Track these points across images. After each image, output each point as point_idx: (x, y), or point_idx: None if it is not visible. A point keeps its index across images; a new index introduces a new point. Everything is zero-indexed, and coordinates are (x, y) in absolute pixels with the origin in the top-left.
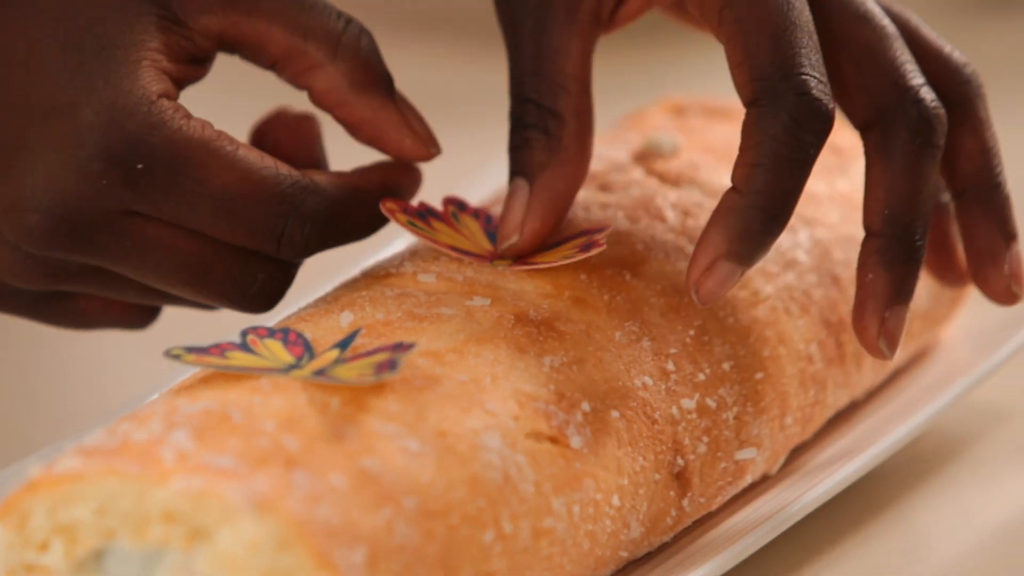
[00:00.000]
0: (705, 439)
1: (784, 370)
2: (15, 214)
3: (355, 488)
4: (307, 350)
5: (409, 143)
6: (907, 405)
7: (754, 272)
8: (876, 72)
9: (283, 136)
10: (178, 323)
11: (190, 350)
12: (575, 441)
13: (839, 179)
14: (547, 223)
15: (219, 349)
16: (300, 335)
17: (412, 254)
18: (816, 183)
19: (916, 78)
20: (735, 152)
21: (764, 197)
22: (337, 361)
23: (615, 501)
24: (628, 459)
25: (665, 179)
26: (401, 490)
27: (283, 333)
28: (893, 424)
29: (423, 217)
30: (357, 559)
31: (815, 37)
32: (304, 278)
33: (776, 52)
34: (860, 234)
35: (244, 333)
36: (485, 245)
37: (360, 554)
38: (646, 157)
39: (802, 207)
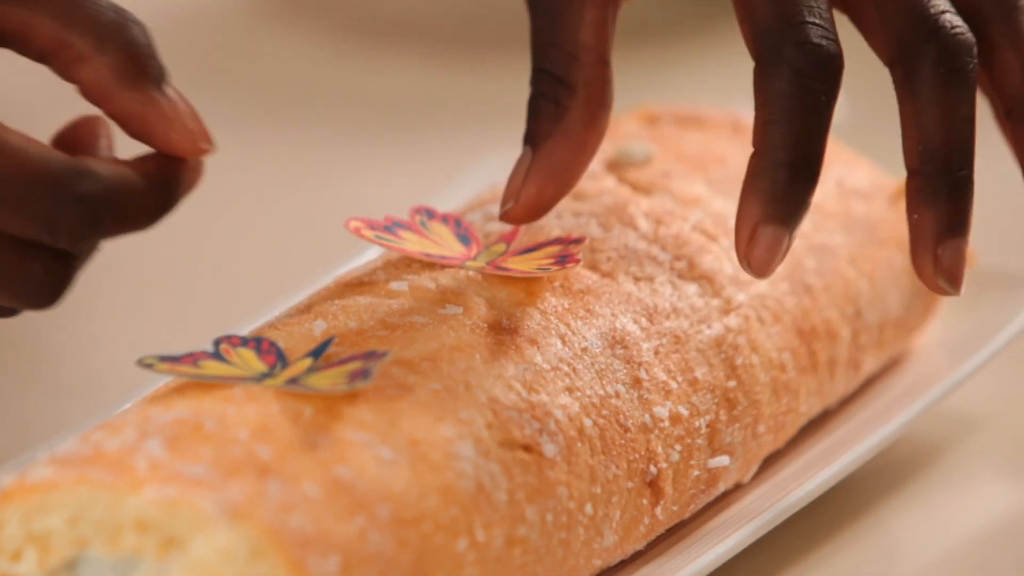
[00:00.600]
0: (678, 447)
1: (757, 378)
2: None
3: (328, 497)
4: (280, 359)
5: (176, 137)
6: (880, 413)
7: (726, 281)
8: (895, 6)
9: (70, 136)
10: (151, 333)
11: (163, 359)
12: (548, 450)
13: None
14: (545, 192)
15: (192, 358)
16: (273, 344)
17: (385, 263)
18: None
19: (936, 5)
20: (708, 161)
21: (784, 151)
22: (310, 370)
23: (588, 510)
24: (601, 467)
25: (637, 188)
26: (374, 498)
27: (256, 342)
28: (866, 432)
29: (391, 230)
30: (330, 567)
31: None
32: (276, 287)
33: (774, 6)
34: (833, 242)
35: (217, 342)
36: (457, 248)
37: (333, 562)
38: (618, 166)
39: None
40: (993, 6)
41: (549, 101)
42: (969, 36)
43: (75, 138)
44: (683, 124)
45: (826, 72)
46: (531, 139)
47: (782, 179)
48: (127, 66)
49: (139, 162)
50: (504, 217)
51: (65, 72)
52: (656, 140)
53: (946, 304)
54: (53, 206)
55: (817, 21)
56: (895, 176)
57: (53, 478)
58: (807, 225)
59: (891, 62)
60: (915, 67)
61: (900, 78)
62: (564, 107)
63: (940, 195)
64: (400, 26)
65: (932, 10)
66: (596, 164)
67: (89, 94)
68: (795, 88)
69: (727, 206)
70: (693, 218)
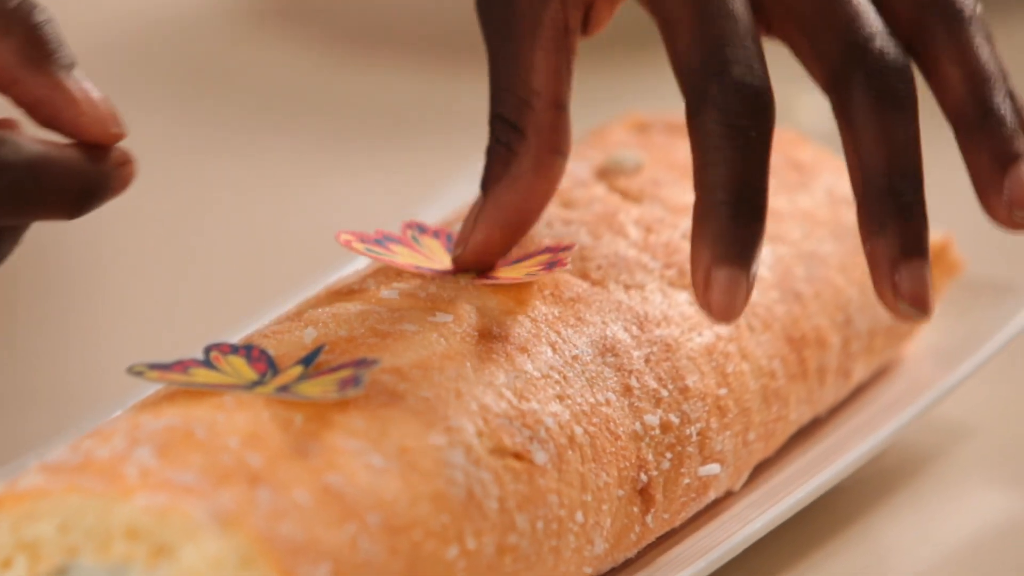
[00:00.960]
0: (668, 455)
1: (747, 386)
2: None
3: (319, 504)
4: (270, 367)
5: (86, 122)
6: (870, 421)
7: None
8: (824, 36)
9: None
10: (141, 340)
11: (153, 367)
12: (539, 457)
13: (801, 195)
14: (492, 237)
15: (182, 366)
16: (263, 351)
17: (375, 271)
18: (777, 200)
19: (864, 29)
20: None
21: (723, 191)
22: (301, 378)
23: (579, 517)
24: (592, 475)
25: (627, 196)
26: (365, 506)
27: (246, 350)
28: (856, 440)
29: (381, 243)
30: (321, 575)
31: (745, 19)
32: (266, 294)
33: (698, 45)
34: (822, 250)
35: (207, 350)
36: (448, 261)
37: (324, 570)
38: (608, 174)
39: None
40: (934, 20)
41: (502, 146)
42: (899, 58)
43: None
44: (673, 132)
45: (754, 108)
46: (483, 184)
47: (726, 219)
48: (33, 50)
49: (64, 145)
50: (455, 262)
51: None
52: (646, 148)
53: (936, 312)
54: None
55: (741, 57)
56: None
57: (43, 486)
58: (796, 233)
59: (826, 89)
60: (848, 95)
61: (835, 106)
62: (514, 152)
63: (888, 222)
64: (388, 35)
65: (861, 35)
66: (586, 172)
67: None
68: (724, 128)
69: None
70: (683, 226)
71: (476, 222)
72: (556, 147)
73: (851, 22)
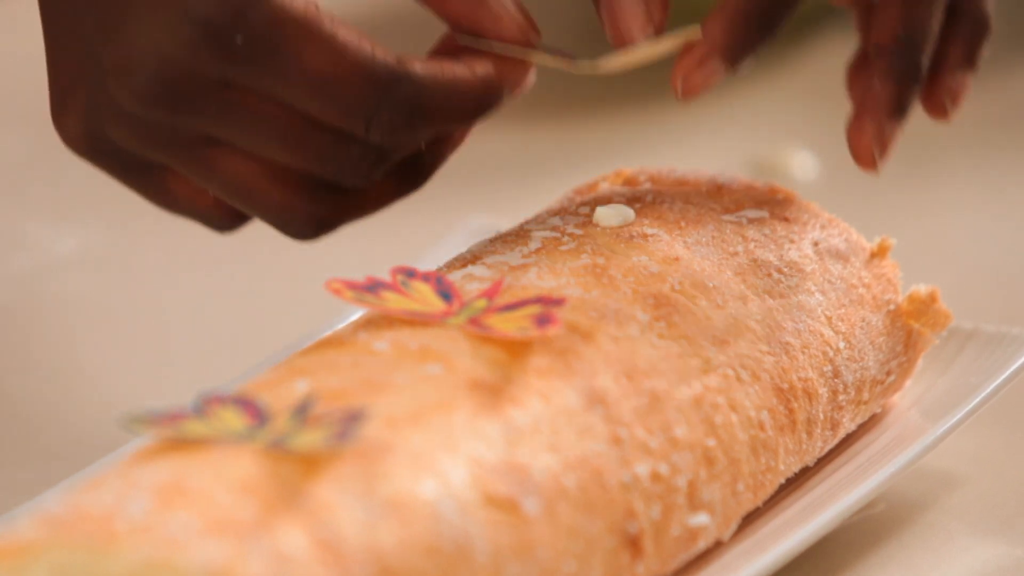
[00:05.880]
0: (658, 505)
1: (736, 437)
2: (121, 75)
3: (310, 557)
4: (262, 418)
5: (508, 33)
6: (858, 472)
7: (706, 340)
8: None
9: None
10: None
11: (144, 419)
12: (529, 507)
13: (788, 249)
14: (666, 10)
15: (174, 417)
16: (255, 403)
17: (367, 322)
18: (766, 253)
19: None
20: (688, 222)
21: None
22: (292, 429)
23: (569, 567)
24: (581, 525)
25: (616, 249)
26: (356, 558)
27: (238, 401)
28: (844, 491)
29: (371, 290)
30: None
31: None
32: (258, 347)
33: None
34: (810, 303)
35: (199, 400)
36: (438, 305)
37: None
38: (597, 227)
39: (752, 276)
40: None
41: None
42: None
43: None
44: (662, 186)
45: None
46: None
47: (754, 23)
48: None
49: (464, 65)
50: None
51: None
52: (635, 202)
53: (923, 364)
54: (371, 107)
55: None
56: (869, 238)
57: (35, 538)
58: (785, 286)
59: None
60: None
61: None
62: None
63: (906, 75)
64: None
65: None
66: (574, 226)
67: None
68: None
69: (706, 267)
70: (672, 279)
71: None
72: None
73: None
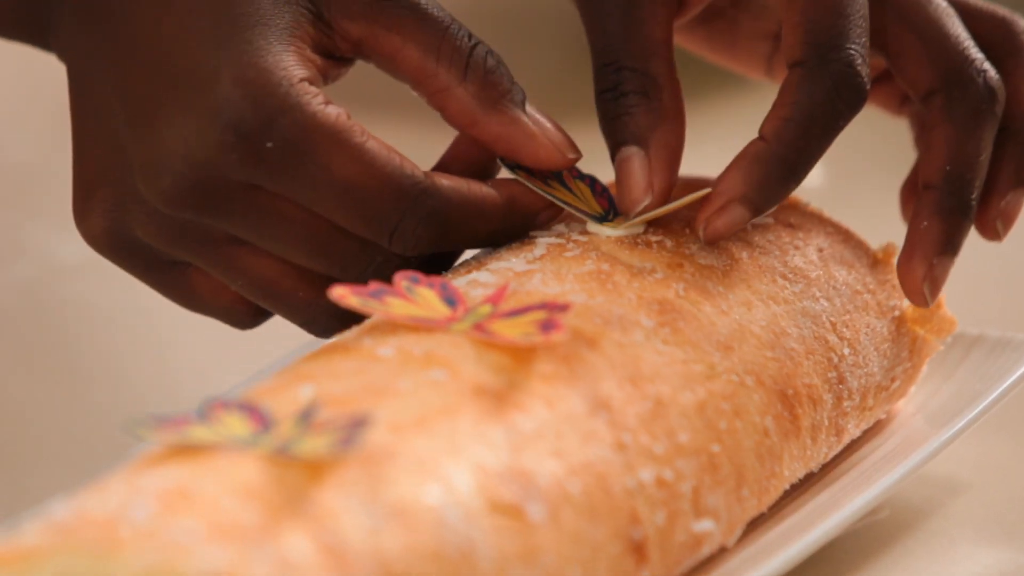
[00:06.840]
0: (662, 511)
1: (740, 443)
2: (150, 173)
3: (314, 562)
4: (266, 424)
5: (544, 153)
6: (862, 477)
7: (711, 346)
8: (941, 44)
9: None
10: (138, 398)
11: (148, 425)
12: (533, 513)
13: (793, 255)
14: (670, 181)
15: (179, 423)
16: (260, 409)
17: (371, 328)
18: (770, 259)
19: (978, 52)
20: (690, 229)
21: (791, 150)
22: (297, 435)
23: (573, 573)
24: (586, 531)
25: (620, 255)
26: (361, 564)
27: (243, 407)
28: (849, 497)
29: (376, 296)
30: None
31: (868, 21)
32: (263, 353)
33: (835, 21)
34: (815, 309)
35: (204, 406)
36: (443, 310)
37: None
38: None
39: (757, 282)
40: (1014, 38)
41: (640, 96)
42: (1003, 86)
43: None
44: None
45: (855, 100)
46: (635, 137)
47: (776, 174)
48: (488, 91)
49: (491, 186)
50: (642, 211)
51: (429, 100)
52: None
53: (927, 370)
54: (396, 219)
55: (864, 53)
56: (874, 243)
57: (39, 544)
58: (788, 292)
59: (930, 91)
60: (957, 97)
61: (939, 105)
62: (657, 99)
63: (955, 212)
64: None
65: (976, 53)
66: (579, 232)
67: (454, 121)
68: (826, 102)
69: (711, 273)
70: (677, 285)
71: (653, 170)
72: (682, 93)
73: (966, 40)
